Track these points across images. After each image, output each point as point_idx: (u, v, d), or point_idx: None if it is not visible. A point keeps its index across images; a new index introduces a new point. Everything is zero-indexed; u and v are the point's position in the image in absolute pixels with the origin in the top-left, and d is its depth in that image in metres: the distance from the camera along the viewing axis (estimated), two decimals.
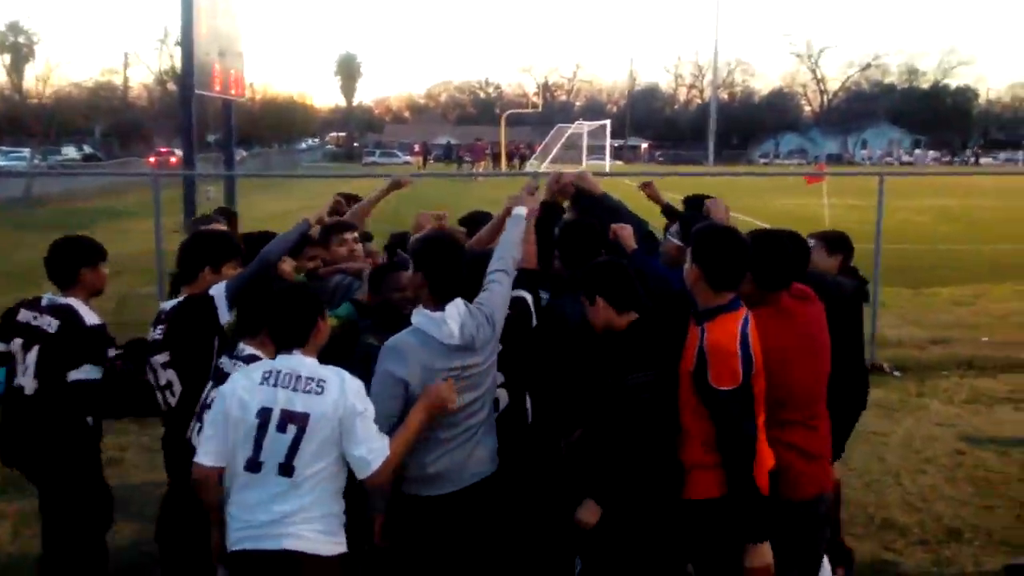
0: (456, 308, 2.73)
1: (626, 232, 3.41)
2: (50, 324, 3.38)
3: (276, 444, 2.46)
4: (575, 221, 3.57)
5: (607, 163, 49.17)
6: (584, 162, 49.55)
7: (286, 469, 2.46)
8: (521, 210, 3.15)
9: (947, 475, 5.22)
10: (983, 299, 10.68)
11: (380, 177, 18.42)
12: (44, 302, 3.48)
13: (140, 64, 58.80)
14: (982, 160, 65.51)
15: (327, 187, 24.68)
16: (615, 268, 2.92)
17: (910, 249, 13.40)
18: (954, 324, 6.59)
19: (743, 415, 2.49)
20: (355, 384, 2.55)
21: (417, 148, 52.31)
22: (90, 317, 3.44)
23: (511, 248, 2.99)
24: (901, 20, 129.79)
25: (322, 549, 2.46)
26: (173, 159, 37.58)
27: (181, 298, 3.29)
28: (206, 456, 2.54)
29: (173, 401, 3.23)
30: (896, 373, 7.39)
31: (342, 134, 77.93)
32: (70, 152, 45.20)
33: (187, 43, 18.84)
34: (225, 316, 3.17)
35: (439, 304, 2.74)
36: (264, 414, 2.47)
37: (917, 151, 69.66)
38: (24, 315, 3.47)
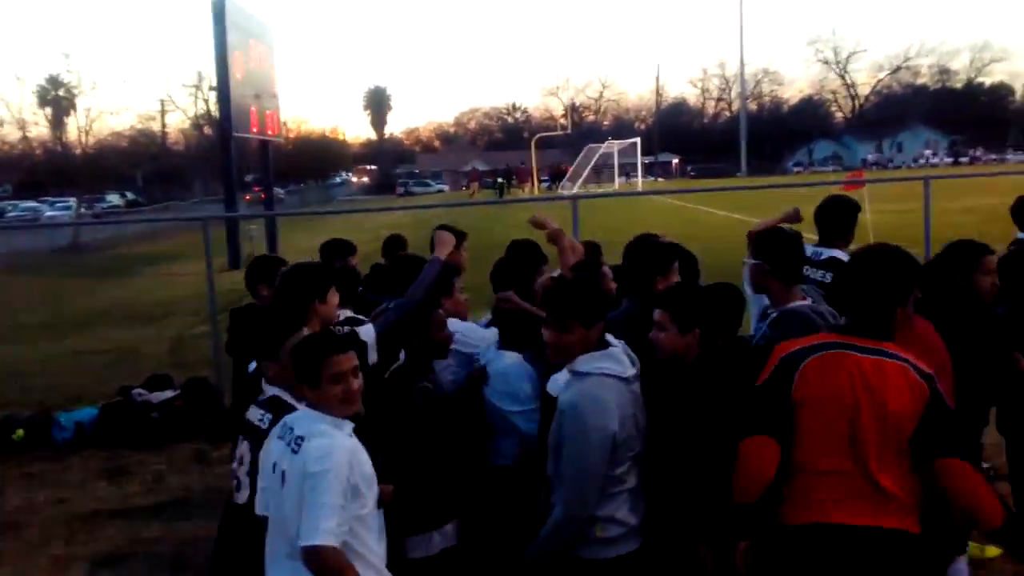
0: (617, 342, 2.74)
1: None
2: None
3: (271, 501, 2.50)
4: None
5: (639, 180, 49.15)
6: (616, 181, 49.64)
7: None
8: None
9: None
10: None
11: (417, 209, 18.80)
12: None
13: (176, 110, 59.99)
14: (1011, 157, 64.38)
15: (364, 220, 25.16)
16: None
17: None
18: None
19: None
20: (319, 448, 2.39)
21: (471, 175, 55.14)
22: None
23: None
24: (930, 20, 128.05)
25: None
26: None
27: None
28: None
29: None
30: None
31: (370, 167, 79.07)
32: (113, 199, 46.74)
33: (223, 89, 19.52)
34: (373, 359, 3.16)
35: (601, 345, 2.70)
36: (275, 468, 2.49)
37: (926, 151, 68.37)
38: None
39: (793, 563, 2.43)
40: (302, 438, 2.42)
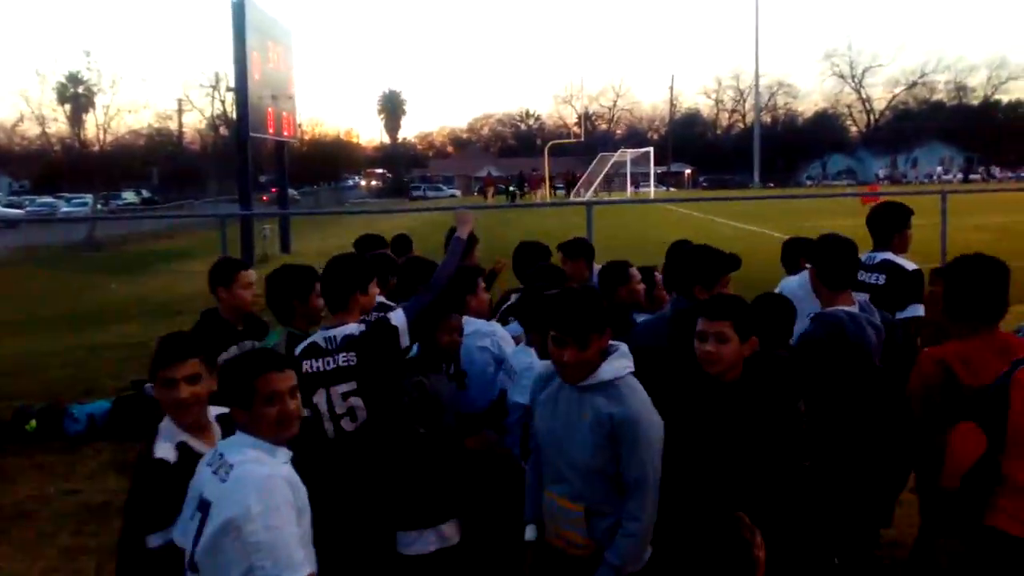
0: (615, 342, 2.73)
1: None
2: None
3: (191, 533, 2.27)
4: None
5: (651, 190, 49.14)
6: (628, 190, 49.64)
7: (192, 565, 2.24)
8: None
9: None
10: None
11: (429, 211, 18.80)
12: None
13: (193, 110, 60.55)
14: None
15: (378, 222, 25.30)
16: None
17: None
18: None
19: None
20: (256, 481, 2.16)
21: (486, 180, 55.64)
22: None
23: None
24: (947, 37, 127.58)
25: None
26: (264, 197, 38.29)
27: (362, 327, 3.21)
28: None
29: (351, 427, 3.14)
30: None
31: (379, 171, 79.22)
32: (129, 197, 47.21)
33: (241, 89, 19.73)
34: (405, 343, 3.19)
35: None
36: (200, 497, 2.28)
37: (938, 169, 68.00)
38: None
39: (973, 564, 2.49)
40: (231, 467, 2.20)
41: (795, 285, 4.01)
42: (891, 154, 72.11)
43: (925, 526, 2.72)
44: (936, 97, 78.97)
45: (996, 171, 67.47)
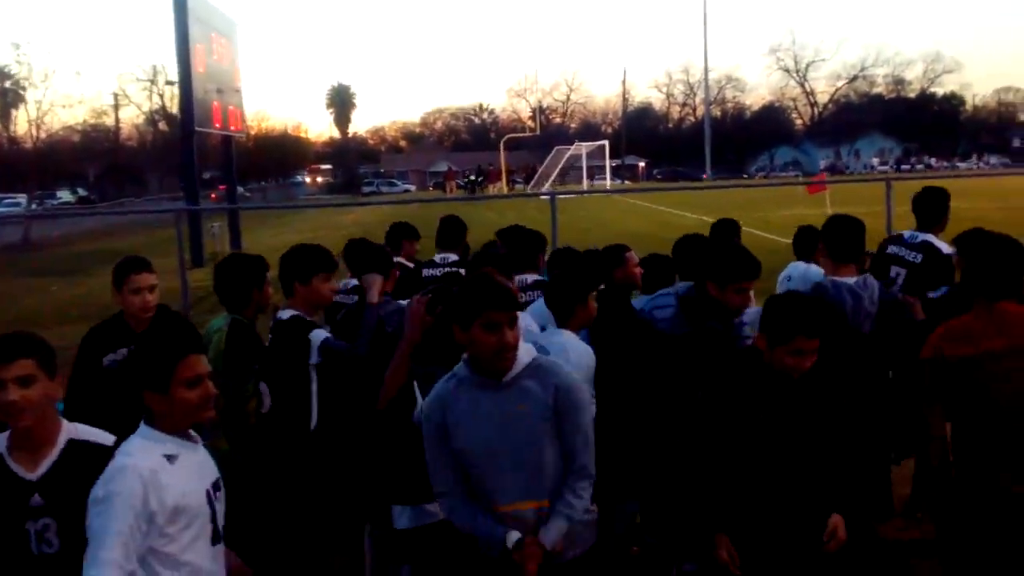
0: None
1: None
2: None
3: None
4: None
5: (607, 182, 49.58)
6: (584, 183, 49.99)
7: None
8: None
9: None
10: None
11: (383, 204, 18.47)
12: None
13: (129, 104, 58.34)
14: (961, 165, 67.32)
15: (331, 217, 24.97)
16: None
17: None
18: None
19: None
20: (111, 468, 2.11)
21: (447, 174, 55.96)
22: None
23: None
24: (885, 31, 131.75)
25: None
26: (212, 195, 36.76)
27: (288, 314, 3.33)
28: None
29: (264, 409, 3.34)
30: None
31: (324, 167, 77.60)
32: (65, 196, 45.49)
33: (185, 83, 19.12)
34: (313, 361, 3.22)
35: None
36: None
37: (874, 159, 70.61)
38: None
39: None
40: (112, 458, 2.14)
41: (803, 270, 4.35)
42: (834, 145, 74.18)
43: (915, 491, 2.80)
44: (876, 90, 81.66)
45: (932, 161, 69.93)
